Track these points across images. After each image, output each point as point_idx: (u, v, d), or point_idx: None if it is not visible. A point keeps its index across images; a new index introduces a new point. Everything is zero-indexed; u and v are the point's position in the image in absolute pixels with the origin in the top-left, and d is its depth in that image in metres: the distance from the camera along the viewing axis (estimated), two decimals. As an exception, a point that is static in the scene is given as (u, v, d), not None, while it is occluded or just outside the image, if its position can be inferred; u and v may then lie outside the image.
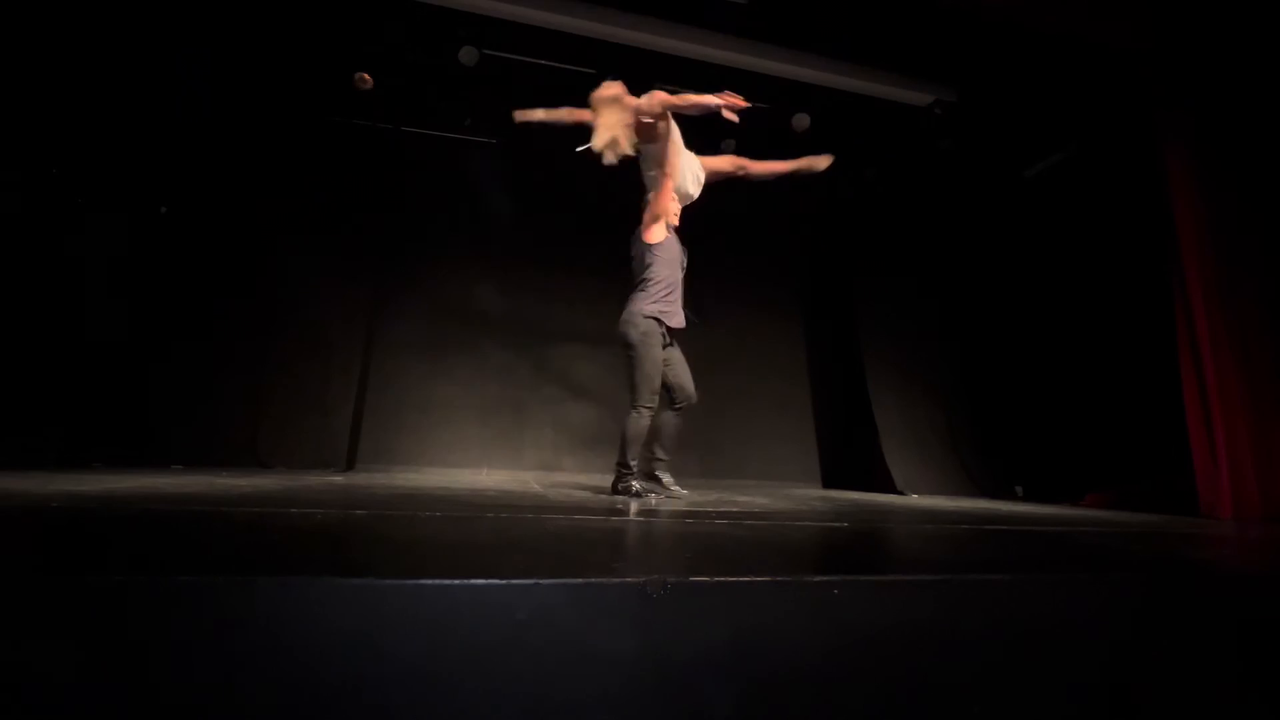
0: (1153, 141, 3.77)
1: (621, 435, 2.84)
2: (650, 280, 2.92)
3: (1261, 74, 3.52)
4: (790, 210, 5.76)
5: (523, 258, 5.22)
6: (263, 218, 4.59)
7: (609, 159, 2.90)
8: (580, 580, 0.83)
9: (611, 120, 2.86)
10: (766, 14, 4.02)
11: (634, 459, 2.82)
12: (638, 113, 2.92)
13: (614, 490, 2.82)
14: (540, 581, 0.80)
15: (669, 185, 3.00)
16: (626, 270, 3.09)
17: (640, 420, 2.81)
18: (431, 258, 5.10)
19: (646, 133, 2.98)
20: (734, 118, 2.89)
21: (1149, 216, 3.83)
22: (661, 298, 2.91)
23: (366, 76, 4.48)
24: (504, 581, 0.79)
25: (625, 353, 2.88)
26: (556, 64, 4.46)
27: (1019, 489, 4.86)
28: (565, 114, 3.10)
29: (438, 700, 0.74)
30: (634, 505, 2.42)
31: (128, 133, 4.27)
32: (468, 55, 4.27)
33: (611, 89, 2.93)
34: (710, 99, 2.86)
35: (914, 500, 4.03)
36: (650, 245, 2.95)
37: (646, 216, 3.01)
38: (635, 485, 2.79)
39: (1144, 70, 3.78)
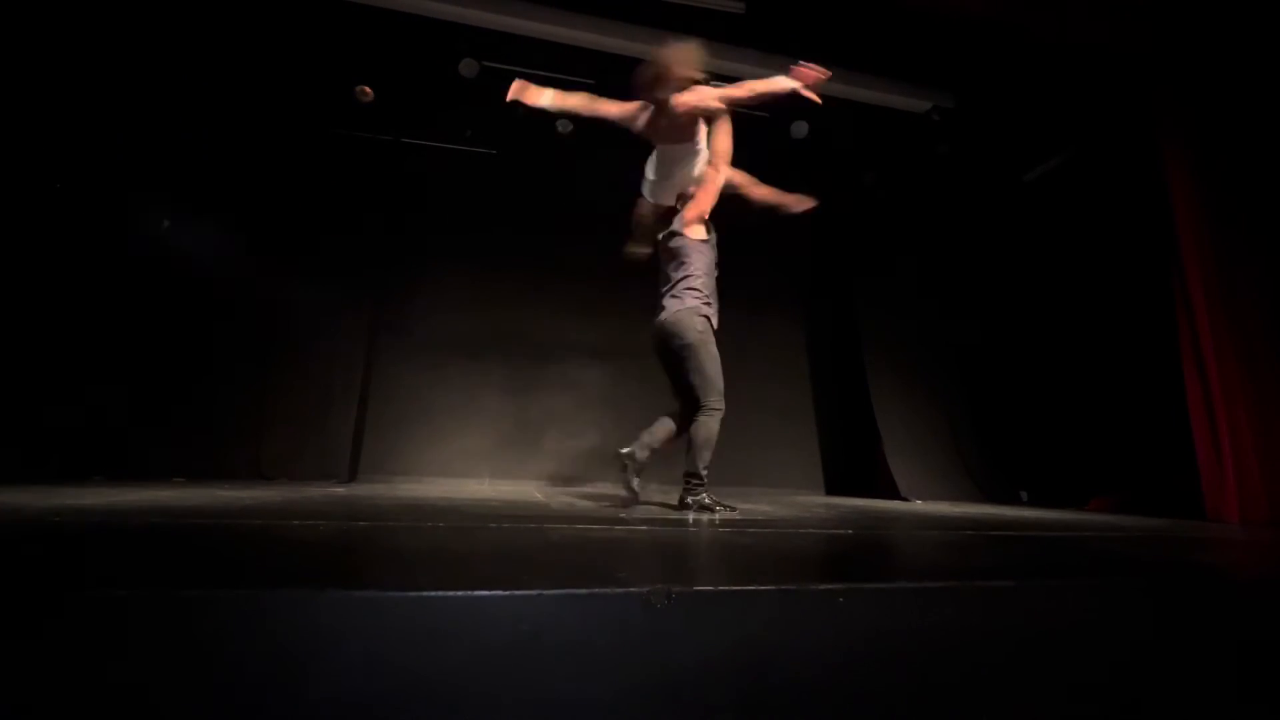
0: (1152, 144, 3.78)
1: (689, 441, 2.57)
2: (693, 278, 2.69)
3: (1261, 75, 3.53)
4: (791, 216, 5.76)
5: (524, 267, 5.24)
6: (265, 230, 4.61)
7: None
8: (584, 591, 0.82)
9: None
10: (764, 23, 4.05)
11: (706, 468, 2.56)
12: (690, 111, 2.64)
13: (681, 504, 2.56)
14: (544, 592, 0.80)
15: (717, 181, 2.76)
16: (649, 268, 2.89)
17: (712, 423, 2.56)
18: (433, 268, 5.12)
19: (689, 129, 2.73)
20: (815, 98, 2.56)
21: (1149, 219, 3.84)
22: (708, 299, 2.71)
23: (368, 89, 4.51)
24: (507, 593, 0.79)
25: (679, 354, 2.62)
26: (556, 75, 4.49)
27: (1024, 494, 4.84)
28: (581, 101, 2.72)
29: (441, 713, 0.74)
30: (706, 519, 2.25)
31: (130, 147, 4.30)
32: (468, 67, 4.31)
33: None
34: (783, 83, 2.53)
35: (918, 506, 4.01)
36: (693, 242, 2.74)
37: (689, 212, 2.77)
38: (708, 498, 2.54)
39: (1142, 73, 3.79)
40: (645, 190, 2.98)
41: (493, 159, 5.26)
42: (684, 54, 2.61)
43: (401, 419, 4.83)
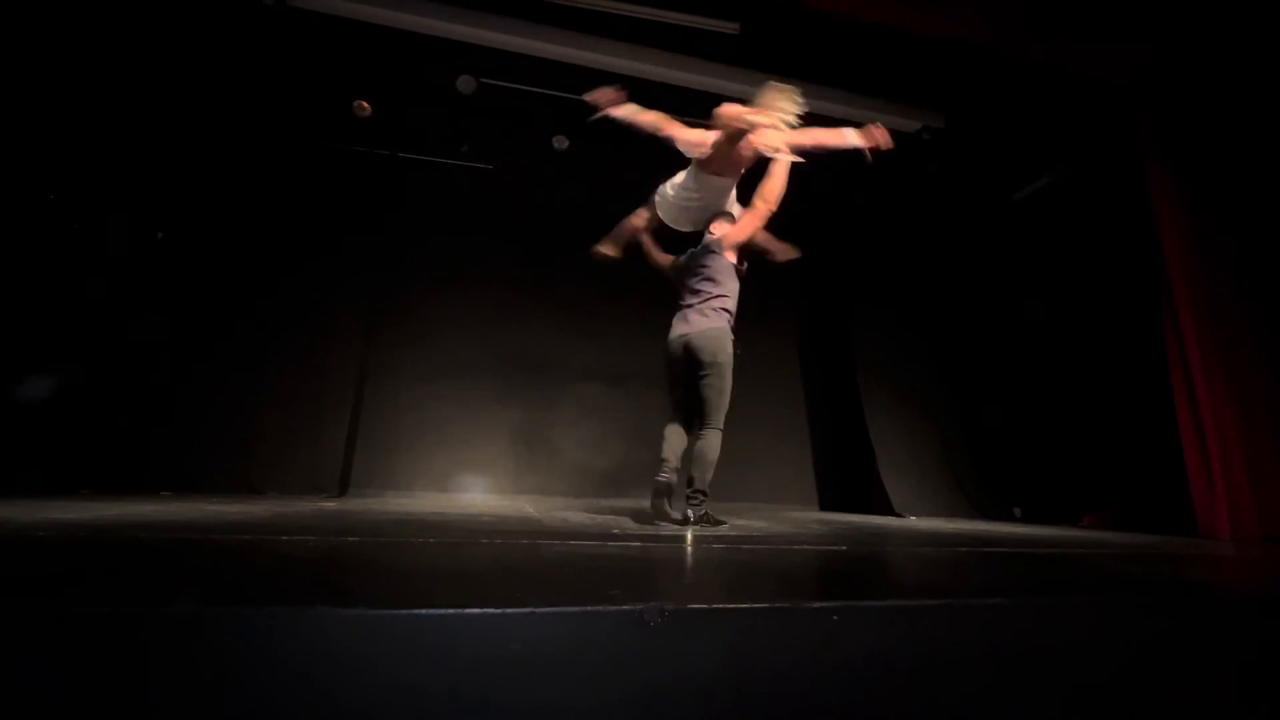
0: (1137, 164, 3.85)
1: (696, 458, 2.64)
2: (727, 299, 2.76)
3: (1242, 99, 3.62)
4: (784, 232, 5.82)
5: (518, 282, 5.25)
6: (259, 243, 4.61)
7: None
8: (576, 609, 0.81)
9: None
10: (758, 43, 4.12)
11: (709, 483, 2.64)
12: (761, 152, 2.74)
13: (684, 519, 2.59)
14: (536, 610, 0.79)
15: (765, 213, 2.80)
16: (679, 280, 2.92)
17: (718, 441, 2.65)
18: (427, 283, 5.12)
19: (742, 166, 2.84)
20: (870, 159, 2.72)
21: (1136, 238, 3.90)
22: (732, 322, 2.78)
23: (365, 104, 4.55)
24: (498, 610, 0.78)
25: (706, 370, 2.65)
26: (552, 92, 4.54)
27: (1017, 510, 4.85)
28: (654, 119, 2.76)
29: (430, 735, 0.72)
30: (708, 533, 2.32)
31: (125, 159, 4.30)
32: (465, 84, 4.35)
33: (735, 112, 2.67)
34: (851, 139, 2.68)
35: (912, 522, 4.00)
36: (729, 265, 2.79)
37: (735, 236, 2.81)
38: (710, 514, 2.60)
39: (1127, 95, 3.88)
40: (661, 209, 2.99)
41: (489, 174, 5.29)
42: (782, 95, 2.67)
43: (394, 432, 4.80)
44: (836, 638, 0.88)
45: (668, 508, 2.64)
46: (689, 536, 2.20)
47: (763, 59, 4.30)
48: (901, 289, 5.57)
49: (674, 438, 2.76)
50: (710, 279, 2.77)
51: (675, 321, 2.82)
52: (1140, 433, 4.07)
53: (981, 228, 5.55)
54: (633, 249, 3.15)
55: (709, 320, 2.71)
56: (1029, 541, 2.51)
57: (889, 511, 4.63)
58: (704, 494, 2.61)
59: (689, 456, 2.71)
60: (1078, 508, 4.27)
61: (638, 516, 3.07)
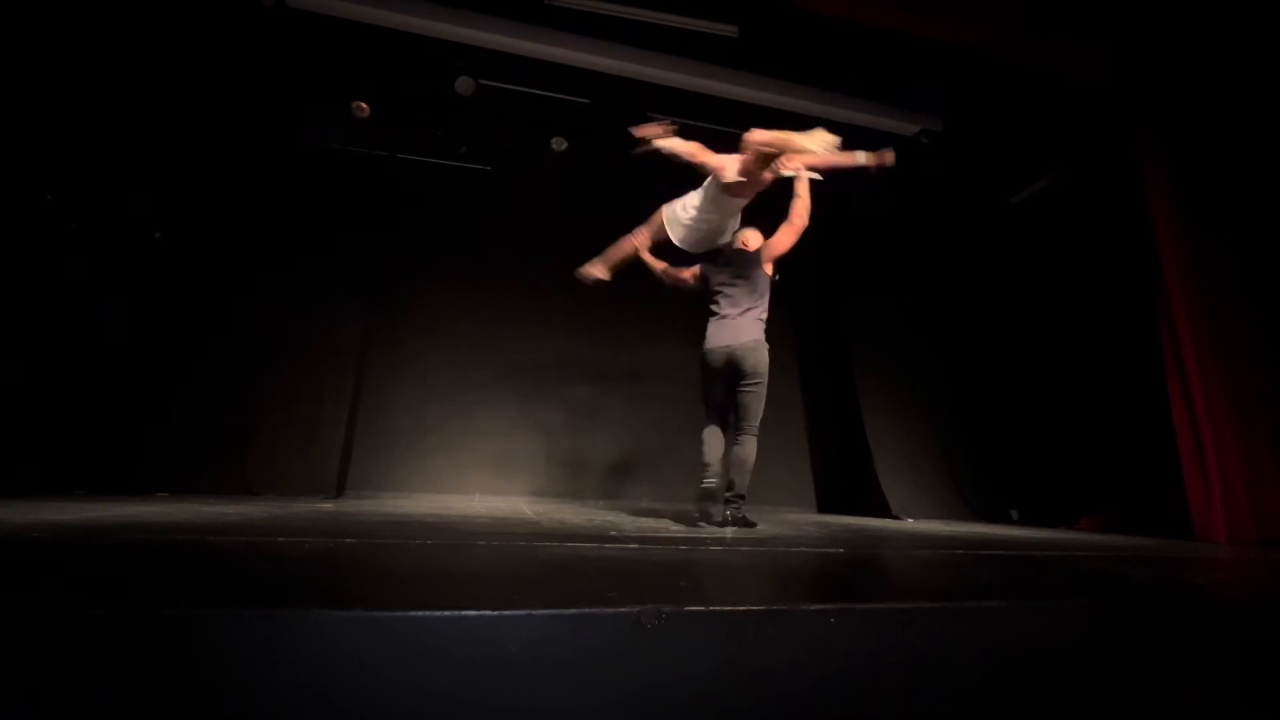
0: (1134, 167, 3.86)
1: (742, 464, 2.77)
2: (764, 310, 2.89)
3: (1239, 101, 3.64)
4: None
5: (516, 283, 5.25)
6: (258, 244, 4.59)
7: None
8: (574, 611, 0.81)
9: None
10: (757, 46, 4.13)
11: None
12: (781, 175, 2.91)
13: (726, 521, 2.73)
14: (533, 613, 0.79)
15: (801, 230, 2.98)
16: (714, 290, 2.96)
17: (756, 446, 2.82)
18: (425, 284, 5.12)
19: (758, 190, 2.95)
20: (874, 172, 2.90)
21: (1133, 240, 3.91)
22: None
23: (363, 105, 4.55)
24: (496, 613, 0.78)
25: (752, 381, 2.78)
26: (550, 94, 4.55)
27: (1014, 513, 4.86)
28: (691, 148, 2.90)
29: (427, 737, 0.72)
30: (745, 534, 2.43)
31: (122, 159, 4.29)
32: (464, 85, 4.36)
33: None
34: (861, 158, 2.84)
35: (909, 525, 4.01)
36: (768, 278, 2.94)
37: (776, 250, 2.97)
38: (746, 515, 2.76)
39: (1123, 98, 3.89)
40: (671, 229, 3.01)
41: (486, 175, 5.29)
42: (820, 137, 2.79)
43: (391, 433, 4.79)
44: (834, 640, 0.88)
45: (710, 510, 2.74)
46: (728, 535, 2.29)
47: (761, 62, 4.32)
48: (900, 291, 5.58)
49: (714, 441, 2.85)
50: (752, 291, 2.88)
51: (716, 330, 2.87)
52: (1136, 436, 4.08)
53: (979, 230, 5.56)
54: (628, 269, 3.18)
55: (752, 332, 2.82)
56: (1026, 544, 2.52)
57: (886, 514, 4.63)
58: (743, 498, 2.74)
59: (727, 460, 2.83)
60: (1074, 510, 4.28)
61: (635, 518, 3.08)
